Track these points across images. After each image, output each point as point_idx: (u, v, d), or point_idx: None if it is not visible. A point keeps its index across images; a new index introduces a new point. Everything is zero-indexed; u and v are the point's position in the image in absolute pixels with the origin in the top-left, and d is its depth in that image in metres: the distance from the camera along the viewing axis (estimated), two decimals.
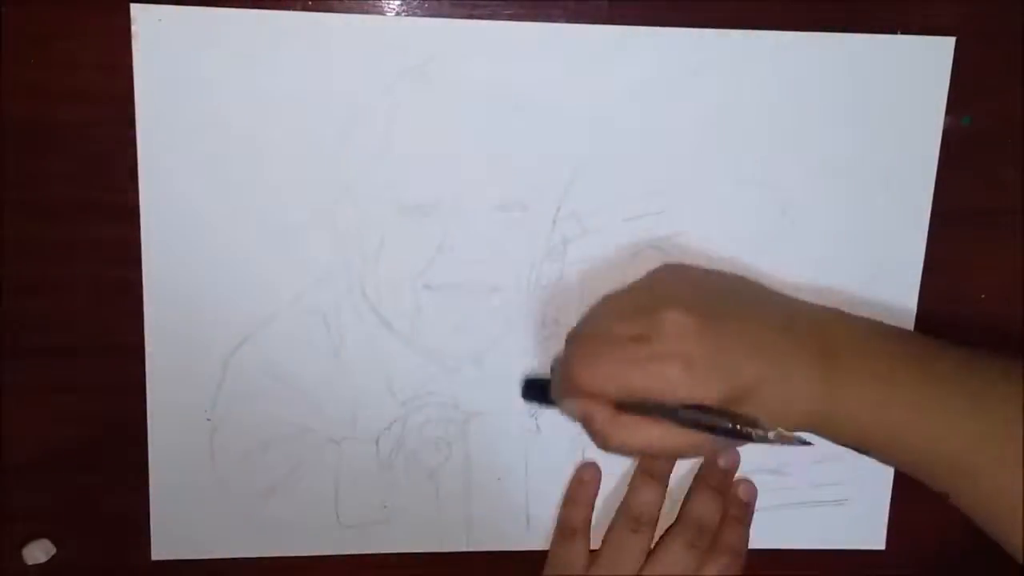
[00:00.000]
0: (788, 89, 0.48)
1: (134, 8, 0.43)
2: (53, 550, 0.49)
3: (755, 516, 0.52)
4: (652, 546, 0.50)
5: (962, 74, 0.48)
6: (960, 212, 0.50)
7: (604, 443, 0.43)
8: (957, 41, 0.48)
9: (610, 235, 0.48)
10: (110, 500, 0.49)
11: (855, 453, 0.51)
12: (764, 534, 0.52)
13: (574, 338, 0.45)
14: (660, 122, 0.47)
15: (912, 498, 0.52)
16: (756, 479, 0.52)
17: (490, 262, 0.48)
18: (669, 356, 0.40)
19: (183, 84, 0.44)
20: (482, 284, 0.48)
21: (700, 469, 0.51)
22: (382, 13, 0.45)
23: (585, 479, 0.51)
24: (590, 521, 0.51)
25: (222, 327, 0.47)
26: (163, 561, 0.49)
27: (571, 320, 0.48)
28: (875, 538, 0.53)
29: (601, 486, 0.51)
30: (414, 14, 0.45)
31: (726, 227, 0.49)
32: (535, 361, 0.49)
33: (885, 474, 0.53)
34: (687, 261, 0.49)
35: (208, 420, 0.48)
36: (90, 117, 0.45)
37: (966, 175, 0.50)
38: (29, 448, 0.48)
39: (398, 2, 0.45)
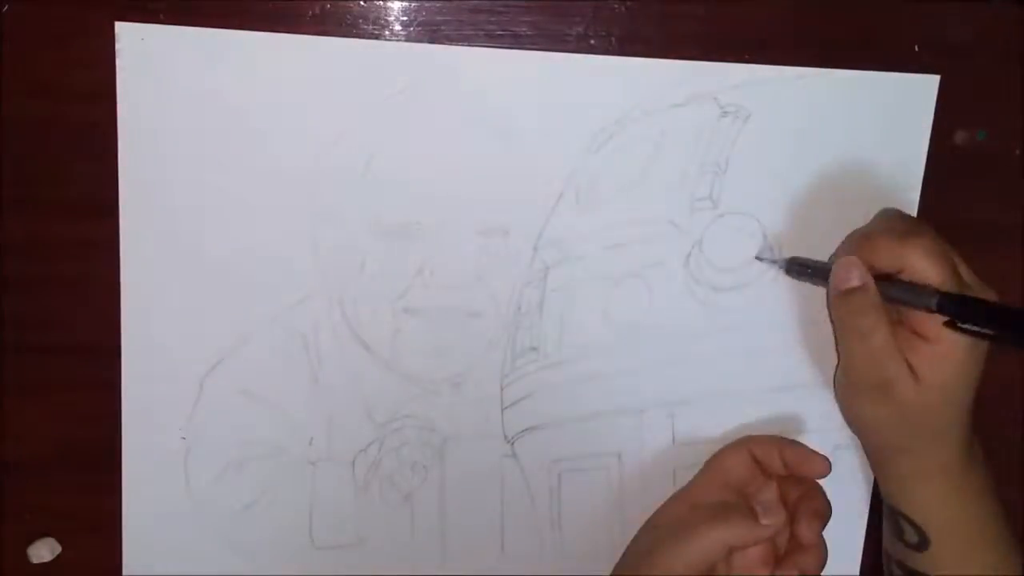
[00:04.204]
0: (775, 122, 0.48)
1: (118, 26, 0.43)
2: (59, 549, 0.49)
3: None
4: None
5: (978, 89, 0.49)
6: (975, 226, 0.50)
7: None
8: (974, 56, 0.48)
9: (591, 263, 0.48)
10: (115, 499, 0.48)
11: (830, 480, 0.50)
12: None
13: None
14: (643, 151, 0.47)
15: None
16: None
17: (470, 287, 0.48)
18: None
19: (165, 104, 0.44)
20: (462, 308, 0.48)
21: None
22: (366, 37, 0.45)
23: None
24: None
25: (200, 346, 0.47)
26: None
27: (550, 347, 0.48)
28: (849, 564, 0.53)
29: None
30: (401, 39, 0.45)
31: (709, 256, 0.49)
32: (513, 387, 0.49)
33: (860, 500, 0.53)
34: (668, 291, 0.49)
35: (183, 438, 0.48)
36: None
37: (981, 189, 0.50)
38: (35, 446, 0.47)
39: (389, 25, 0.45)
